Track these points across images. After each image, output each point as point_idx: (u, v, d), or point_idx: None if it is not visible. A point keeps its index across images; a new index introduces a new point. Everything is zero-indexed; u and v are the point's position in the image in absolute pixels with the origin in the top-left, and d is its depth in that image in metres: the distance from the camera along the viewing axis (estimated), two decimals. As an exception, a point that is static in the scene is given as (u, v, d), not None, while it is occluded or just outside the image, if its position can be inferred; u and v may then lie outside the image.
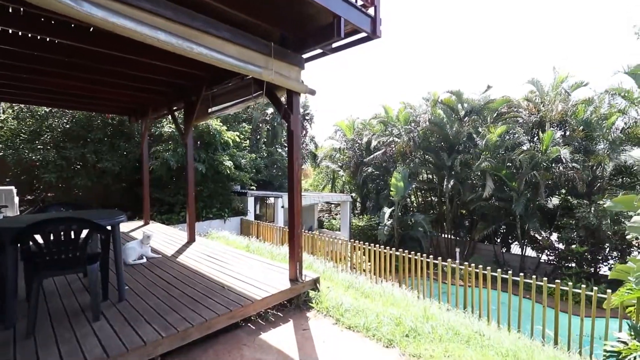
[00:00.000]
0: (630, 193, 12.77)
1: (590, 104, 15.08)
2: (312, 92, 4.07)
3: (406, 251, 8.30)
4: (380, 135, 20.02)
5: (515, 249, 19.56)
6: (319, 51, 4.21)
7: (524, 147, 16.35)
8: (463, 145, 17.47)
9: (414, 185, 19.22)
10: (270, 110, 19.82)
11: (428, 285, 7.67)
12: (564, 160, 14.02)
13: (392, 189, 17.35)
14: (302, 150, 25.06)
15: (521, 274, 6.70)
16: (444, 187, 17.36)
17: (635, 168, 14.15)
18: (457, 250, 17.72)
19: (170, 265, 4.82)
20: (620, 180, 14.87)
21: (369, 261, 8.96)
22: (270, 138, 19.22)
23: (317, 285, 4.10)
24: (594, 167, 15.62)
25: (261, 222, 12.38)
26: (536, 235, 17.73)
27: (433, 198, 21.33)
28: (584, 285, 6.11)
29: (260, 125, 18.78)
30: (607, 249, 15.25)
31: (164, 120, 12.59)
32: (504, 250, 19.78)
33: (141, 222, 8.50)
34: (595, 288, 5.87)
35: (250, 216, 14.15)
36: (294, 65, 3.80)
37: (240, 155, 14.39)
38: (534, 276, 6.92)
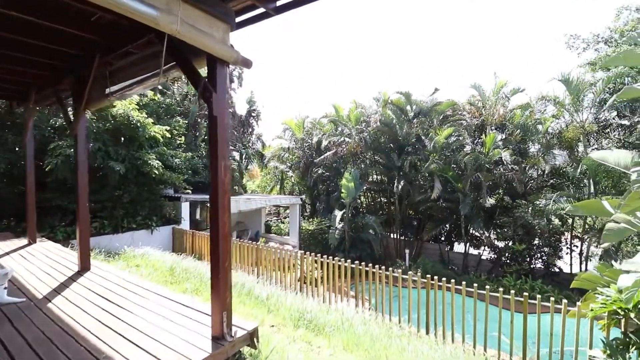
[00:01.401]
0: (562, 193, 13.50)
1: (527, 109, 15.94)
2: (247, 63, 2.85)
3: (362, 263, 7.43)
4: (331, 135, 19.27)
5: (457, 247, 20.26)
6: (260, 10, 3.01)
7: (468, 149, 16.83)
8: (412, 146, 17.44)
9: (364, 187, 18.80)
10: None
11: (387, 294, 6.82)
12: (504, 162, 14.53)
13: (343, 190, 16.66)
14: (249, 150, 23.38)
15: (487, 287, 6.19)
16: (394, 188, 17.15)
17: (563, 170, 15.25)
18: (407, 251, 17.64)
19: (34, 316, 3.21)
20: (551, 181, 15.94)
21: (321, 269, 7.94)
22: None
23: (255, 339, 2.87)
24: (528, 169, 16.63)
25: (197, 231, 10.66)
26: (478, 234, 18.45)
27: (383, 199, 21.20)
28: (553, 298, 5.69)
29: (199, 120, 16.76)
30: (541, 246, 16.27)
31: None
32: (448, 249, 20.37)
33: (24, 241, 6.41)
34: (565, 301, 5.48)
35: (185, 224, 12.26)
36: (217, 19, 2.55)
37: (173, 154, 12.43)
38: (501, 289, 6.47)
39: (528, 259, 16.47)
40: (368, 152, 18.33)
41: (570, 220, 15.71)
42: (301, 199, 19.94)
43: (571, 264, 15.83)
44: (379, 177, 20.42)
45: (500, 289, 13.67)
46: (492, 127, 16.69)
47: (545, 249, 16.44)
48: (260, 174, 27.49)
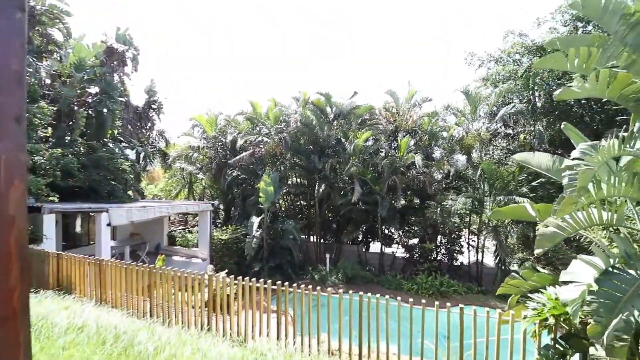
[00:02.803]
0: (466, 194, 14.66)
1: (434, 117, 17.20)
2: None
3: (286, 284, 6.32)
4: (248, 134, 17.68)
5: (373, 247, 20.91)
6: None
7: (384, 153, 17.37)
8: (333, 149, 17.16)
9: (284, 190, 17.77)
10: (95, 88, 14.34)
11: (309, 311, 5.86)
12: (417, 166, 15.29)
13: (261, 194, 15.31)
14: (148, 148, 19.99)
15: (406, 303, 5.73)
16: (315, 191, 16.58)
17: (463, 173, 16.87)
18: (327, 255, 17.26)
19: None
20: (453, 183, 17.51)
21: (235, 293, 6.56)
22: (93, 128, 13.82)
23: None
24: (435, 172, 18.01)
25: (65, 254, 7.99)
26: (393, 234, 19.26)
27: (303, 203, 20.52)
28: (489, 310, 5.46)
29: (76, 107, 13.22)
30: (445, 243, 17.76)
31: None
32: (365, 249, 20.84)
33: None
34: (499, 311, 5.30)
35: (50, 244, 9.22)
36: None
37: (33, 150, 9.29)
38: (423, 300, 6.06)
39: (435, 255, 17.80)
40: (288, 154, 17.37)
41: (467, 219, 17.48)
42: (213, 204, 17.78)
43: (470, 258, 17.64)
44: (299, 180, 19.66)
45: (415, 286, 14.02)
46: (405, 133, 17.56)
47: (449, 246, 18.04)
48: (163, 176, 23.94)
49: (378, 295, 5.75)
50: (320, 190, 16.00)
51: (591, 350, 3.78)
